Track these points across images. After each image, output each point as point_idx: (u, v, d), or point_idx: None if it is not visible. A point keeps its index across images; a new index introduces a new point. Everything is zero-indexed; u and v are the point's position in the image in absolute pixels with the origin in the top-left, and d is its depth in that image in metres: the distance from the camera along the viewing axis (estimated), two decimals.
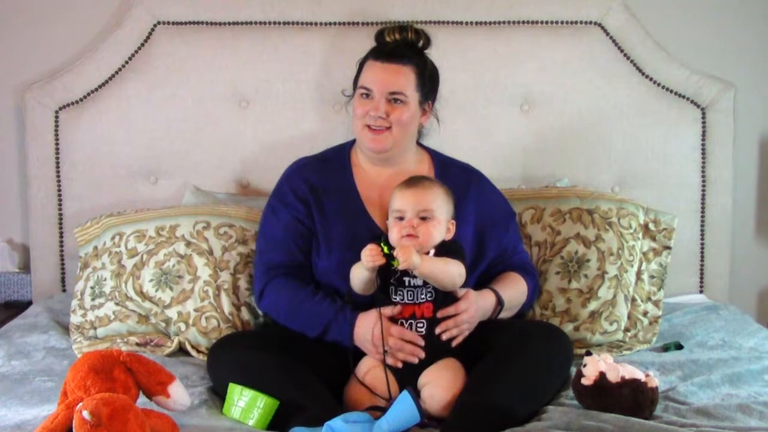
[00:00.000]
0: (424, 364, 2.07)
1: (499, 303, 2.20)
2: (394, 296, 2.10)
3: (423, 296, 2.09)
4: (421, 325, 2.08)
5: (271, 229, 2.31)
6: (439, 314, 2.09)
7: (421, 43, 2.34)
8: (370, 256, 2.03)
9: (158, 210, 2.61)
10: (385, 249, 2.03)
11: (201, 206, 2.63)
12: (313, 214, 2.28)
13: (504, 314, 2.24)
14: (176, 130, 2.85)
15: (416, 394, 1.87)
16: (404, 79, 2.27)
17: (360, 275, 2.09)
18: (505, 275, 2.29)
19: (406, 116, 2.27)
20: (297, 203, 2.29)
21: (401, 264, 1.99)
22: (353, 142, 2.40)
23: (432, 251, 2.09)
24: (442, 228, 2.12)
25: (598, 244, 2.49)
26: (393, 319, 2.09)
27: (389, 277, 2.09)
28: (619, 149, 2.89)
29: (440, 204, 2.12)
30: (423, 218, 2.09)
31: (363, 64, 2.33)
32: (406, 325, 2.08)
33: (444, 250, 2.10)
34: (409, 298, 2.09)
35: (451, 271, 2.06)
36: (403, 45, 2.32)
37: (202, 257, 2.44)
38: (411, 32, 2.33)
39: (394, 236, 2.10)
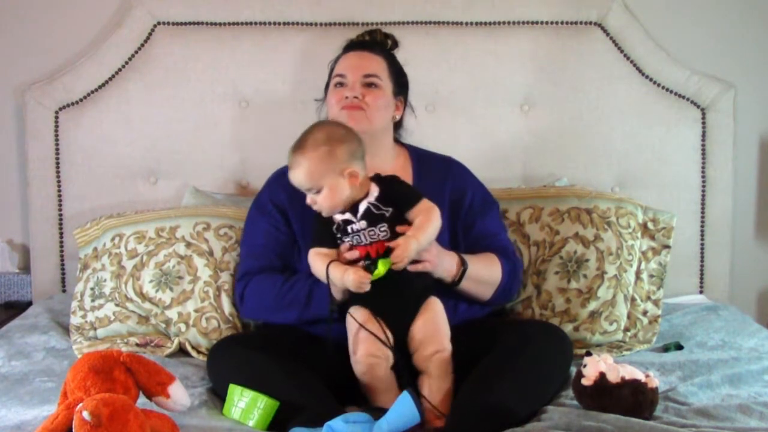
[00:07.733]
0: (408, 311, 2.05)
1: (462, 263, 2.16)
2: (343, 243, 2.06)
3: (370, 236, 2.03)
4: None
5: (251, 238, 2.33)
6: (392, 244, 2.02)
7: (389, 44, 2.40)
8: (358, 281, 1.97)
9: (158, 211, 2.61)
10: (379, 270, 1.96)
11: (201, 207, 2.63)
12: (290, 221, 2.29)
13: (470, 286, 2.19)
14: (176, 131, 2.85)
15: (417, 395, 1.87)
16: (376, 63, 2.32)
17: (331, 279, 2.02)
18: (479, 253, 2.25)
19: (381, 101, 2.27)
20: (275, 212, 2.31)
21: (397, 266, 1.96)
22: None
23: (377, 191, 2.04)
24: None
25: (597, 243, 2.49)
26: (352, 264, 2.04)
27: (329, 228, 2.04)
28: (619, 149, 2.89)
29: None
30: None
31: (335, 64, 2.38)
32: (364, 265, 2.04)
33: (387, 186, 2.05)
34: (356, 241, 2.04)
35: (432, 233, 2.04)
36: (371, 42, 2.38)
37: (202, 258, 2.44)
38: (380, 34, 2.39)
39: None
